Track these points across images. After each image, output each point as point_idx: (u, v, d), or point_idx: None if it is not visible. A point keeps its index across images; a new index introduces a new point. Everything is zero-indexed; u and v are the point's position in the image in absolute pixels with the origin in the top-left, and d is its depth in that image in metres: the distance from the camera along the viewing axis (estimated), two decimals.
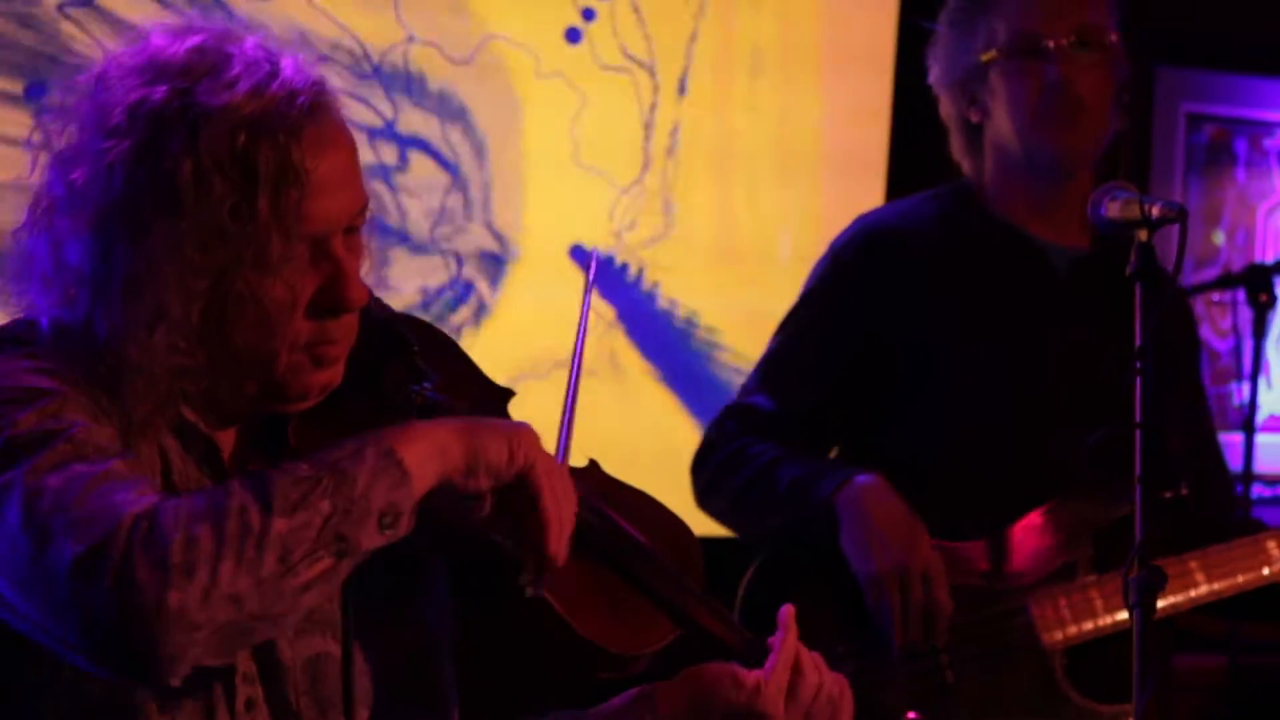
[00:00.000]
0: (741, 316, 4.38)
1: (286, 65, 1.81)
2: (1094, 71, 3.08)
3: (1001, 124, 3.11)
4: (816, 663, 2.06)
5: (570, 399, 2.03)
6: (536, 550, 1.84)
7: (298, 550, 1.66)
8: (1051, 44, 3.06)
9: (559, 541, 1.84)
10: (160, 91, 1.76)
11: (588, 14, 4.27)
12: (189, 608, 1.61)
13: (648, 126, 4.37)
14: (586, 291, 2.08)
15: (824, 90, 4.51)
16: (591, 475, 2.07)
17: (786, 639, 2.02)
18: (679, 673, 2.05)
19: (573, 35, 4.27)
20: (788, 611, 2.04)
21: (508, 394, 2.06)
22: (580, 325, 2.06)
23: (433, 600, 1.99)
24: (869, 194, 4.49)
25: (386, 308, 1.93)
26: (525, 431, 1.84)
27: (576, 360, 2.05)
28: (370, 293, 1.88)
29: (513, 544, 1.86)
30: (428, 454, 1.76)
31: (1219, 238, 5.47)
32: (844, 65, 4.52)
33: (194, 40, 1.80)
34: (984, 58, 3.10)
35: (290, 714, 1.85)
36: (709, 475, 3.14)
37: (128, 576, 1.61)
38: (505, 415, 2.04)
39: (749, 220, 4.48)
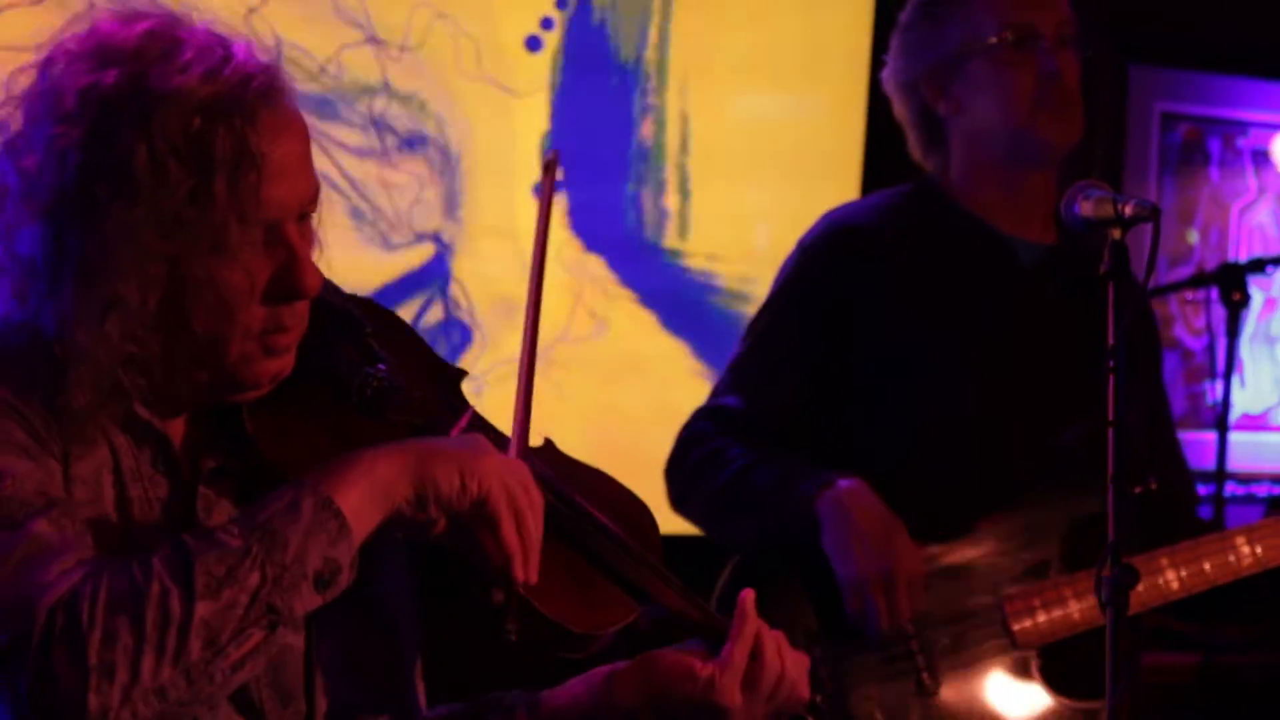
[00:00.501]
0: None
1: (239, 49, 1.79)
2: (1076, 64, 3.09)
3: (983, 115, 3.11)
4: (779, 643, 2.04)
5: (529, 348, 2.01)
6: (502, 575, 1.82)
7: (225, 632, 1.63)
8: (1048, 35, 3.07)
9: (525, 569, 1.81)
10: (112, 76, 1.74)
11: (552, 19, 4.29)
12: (110, 709, 1.58)
13: (627, 126, 4.38)
14: (544, 205, 2.07)
15: (798, 91, 4.52)
16: (548, 455, 2.06)
17: (745, 627, 2.00)
18: (637, 656, 2.03)
19: (532, 43, 4.28)
20: (746, 597, 2.02)
21: (460, 374, 2.04)
22: (538, 246, 2.04)
23: (389, 578, 1.97)
24: (845, 194, 4.51)
25: (336, 289, 1.91)
26: (478, 455, 1.80)
27: (535, 288, 2.03)
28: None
29: (477, 561, 1.82)
30: (369, 495, 1.73)
31: (1193, 236, 5.48)
32: (819, 66, 4.53)
33: (144, 25, 1.78)
34: (967, 49, 3.09)
35: (253, 708, 1.83)
36: (684, 479, 3.13)
37: (47, 673, 1.58)
38: (458, 395, 2.01)
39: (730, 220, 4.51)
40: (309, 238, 1.84)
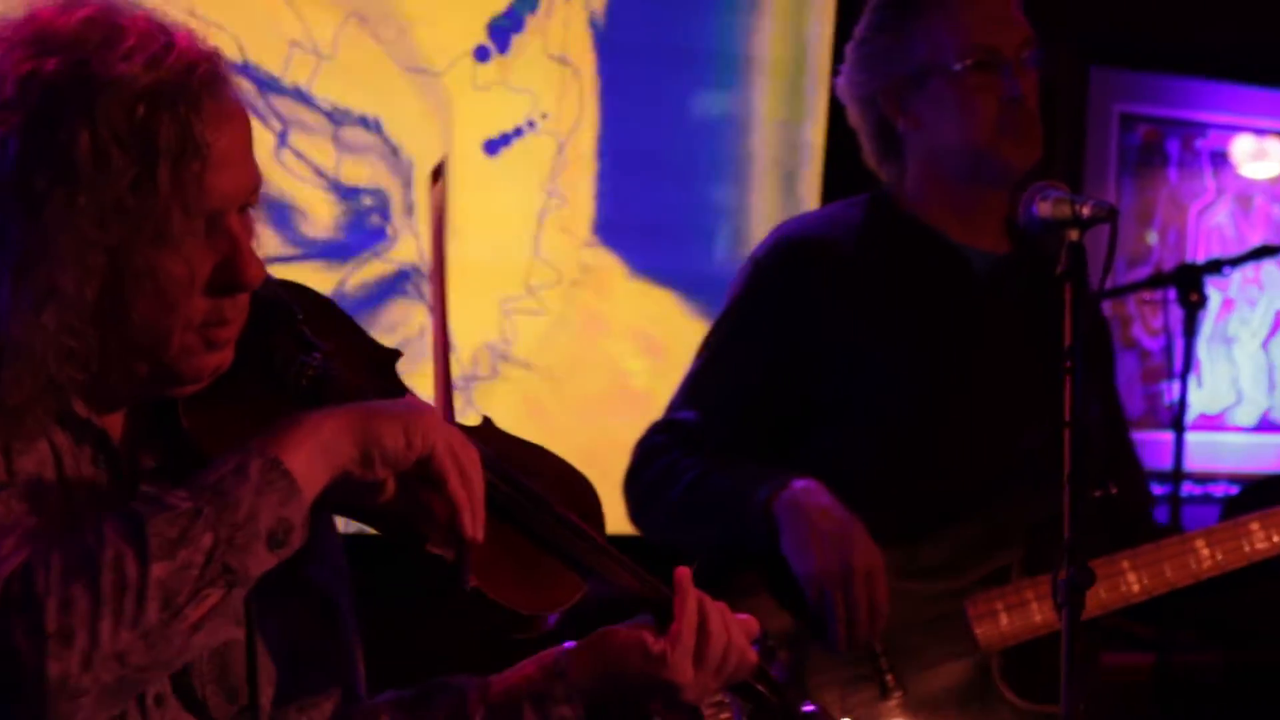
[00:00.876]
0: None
1: (180, 37, 1.75)
2: (1036, 85, 3.09)
3: (944, 134, 3.09)
4: (722, 613, 2.04)
5: (441, 343, 2.01)
6: (451, 532, 1.81)
7: (182, 592, 1.61)
8: (1010, 57, 3.07)
9: (474, 524, 1.81)
10: (52, 64, 1.70)
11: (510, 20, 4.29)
12: (70, 675, 1.57)
13: (572, 130, 4.39)
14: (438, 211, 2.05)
15: (760, 94, 4.52)
16: (487, 433, 2.03)
17: (686, 601, 2.00)
18: (589, 635, 2.02)
19: (481, 54, 4.28)
20: (683, 574, 2.02)
21: (394, 355, 2.00)
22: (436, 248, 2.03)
23: (327, 564, 1.95)
24: (805, 198, 4.52)
25: (268, 276, 1.86)
26: (422, 413, 1.80)
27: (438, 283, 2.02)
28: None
29: (425, 526, 1.83)
30: (316, 455, 1.71)
31: (1151, 237, 5.51)
32: (781, 69, 4.53)
33: (83, 12, 1.74)
34: (929, 68, 3.08)
35: (197, 704, 1.81)
36: (641, 492, 3.10)
37: (6, 645, 1.57)
38: (393, 377, 1.98)
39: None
40: (250, 229, 1.81)
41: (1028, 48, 3.07)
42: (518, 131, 4.36)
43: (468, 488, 1.80)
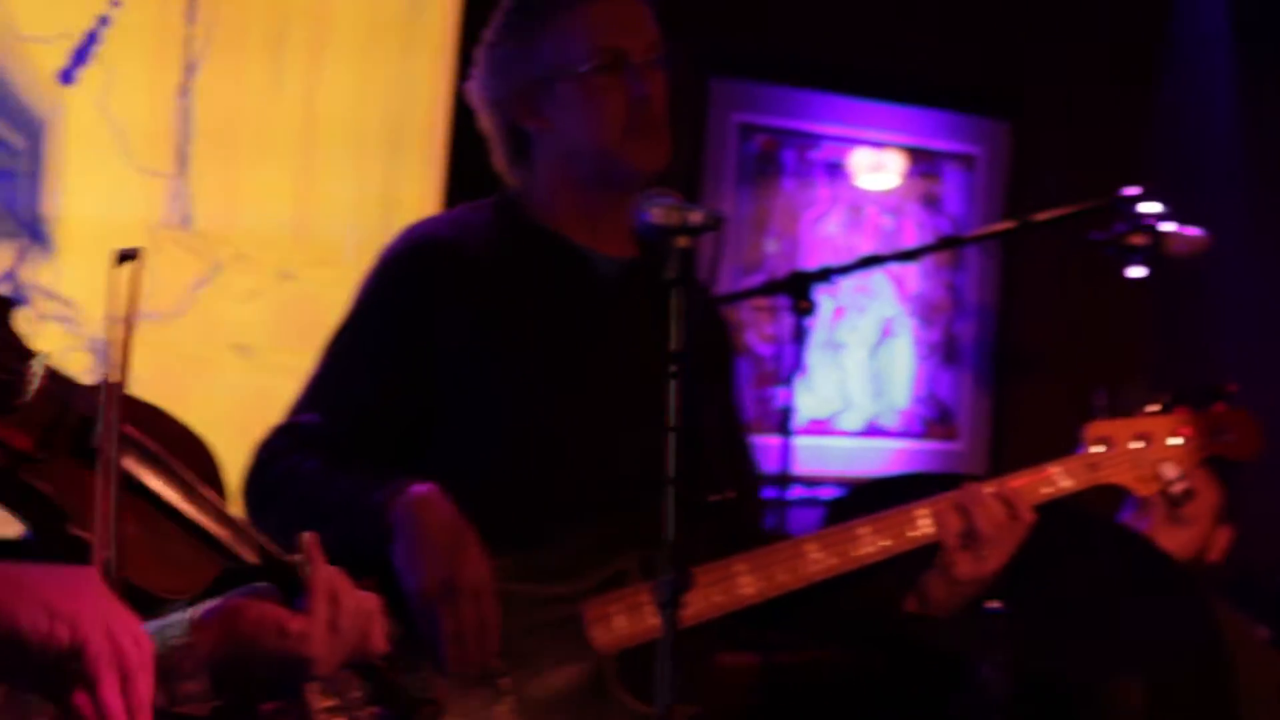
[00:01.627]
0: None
1: None
2: (664, 87, 3.13)
3: (573, 136, 3.11)
4: (347, 582, 2.01)
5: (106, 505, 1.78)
6: None
7: None
8: (637, 60, 3.10)
9: None
10: None
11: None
12: None
13: (182, 111, 4.30)
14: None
15: (378, 70, 4.50)
16: (109, 393, 1.85)
17: (319, 570, 1.97)
18: (216, 608, 1.97)
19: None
20: (312, 540, 1.99)
21: (8, 303, 1.79)
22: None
23: None
24: (427, 177, 4.50)
25: None
26: (74, 591, 1.52)
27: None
28: None
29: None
30: None
31: (767, 245, 5.61)
32: (404, 46, 4.51)
33: None
34: (558, 71, 3.09)
35: None
36: (260, 495, 3.04)
37: None
38: (6, 328, 1.78)
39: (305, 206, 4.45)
40: None
41: (655, 51, 3.11)
42: None
43: (131, 698, 1.53)
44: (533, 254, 3.16)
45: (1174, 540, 4.28)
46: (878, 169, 5.85)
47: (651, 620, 2.98)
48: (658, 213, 2.59)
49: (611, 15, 3.12)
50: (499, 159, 3.22)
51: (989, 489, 3.18)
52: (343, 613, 1.97)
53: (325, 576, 1.97)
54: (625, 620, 3.00)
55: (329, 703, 2.07)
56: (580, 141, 3.11)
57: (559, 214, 3.16)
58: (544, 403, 3.08)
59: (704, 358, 3.12)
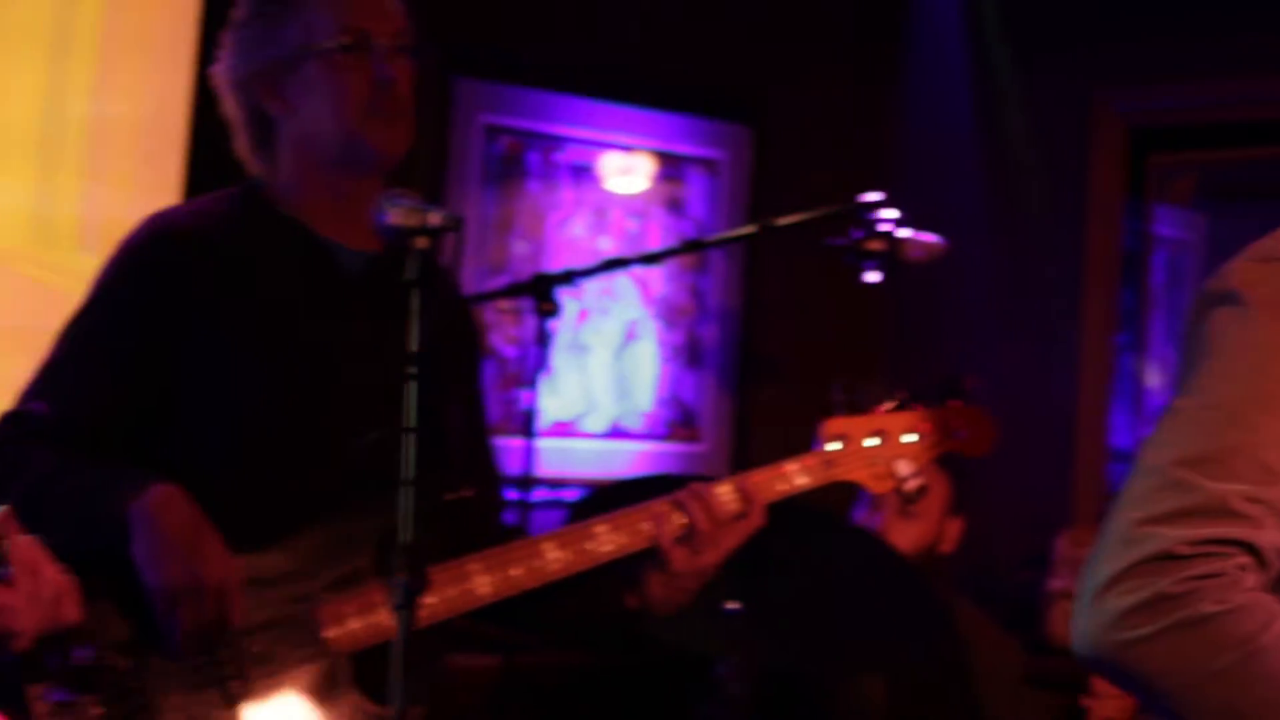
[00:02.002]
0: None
1: None
2: (410, 73, 3.12)
3: (315, 118, 3.09)
4: (42, 552, 1.97)
5: None
6: None
7: None
8: (383, 42, 3.08)
9: None
10: None
11: None
12: None
13: None
14: None
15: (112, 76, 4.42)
16: None
17: (15, 545, 1.93)
18: None
19: None
20: (4, 515, 1.95)
21: None
22: None
23: None
24: (164, 186, 4.43)
25: None
26: None
27: None
28: None
29: None
30: None
31: (513, 247, 5.62)
32: (138, 51, 4.44)
33: None
34: (303, 51, 3.08)
35: None
36: None
37: None
38: None
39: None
40: None
41: (402, 38, 3.11)
42: None
43: None
44: (275, 246, 3.13)
45: (906, 534, 4.37)
46: (627, 172, 5.88)
47: (386, 620, 2.97)
48: (397, 214, 2.58)
49: None
50: (241, 145, 3.19)
51: (724, 487, 3.21)
52: (43, 584, 1.93)
53: (23, 548, 1.93)
54: (360, 620, 2.98)
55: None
56: (321, 122, 3.09)
57: (303, 204, 3.13)
58: (281, 399, 3.05)
59: (450, 356, 3.12)
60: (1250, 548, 2.08)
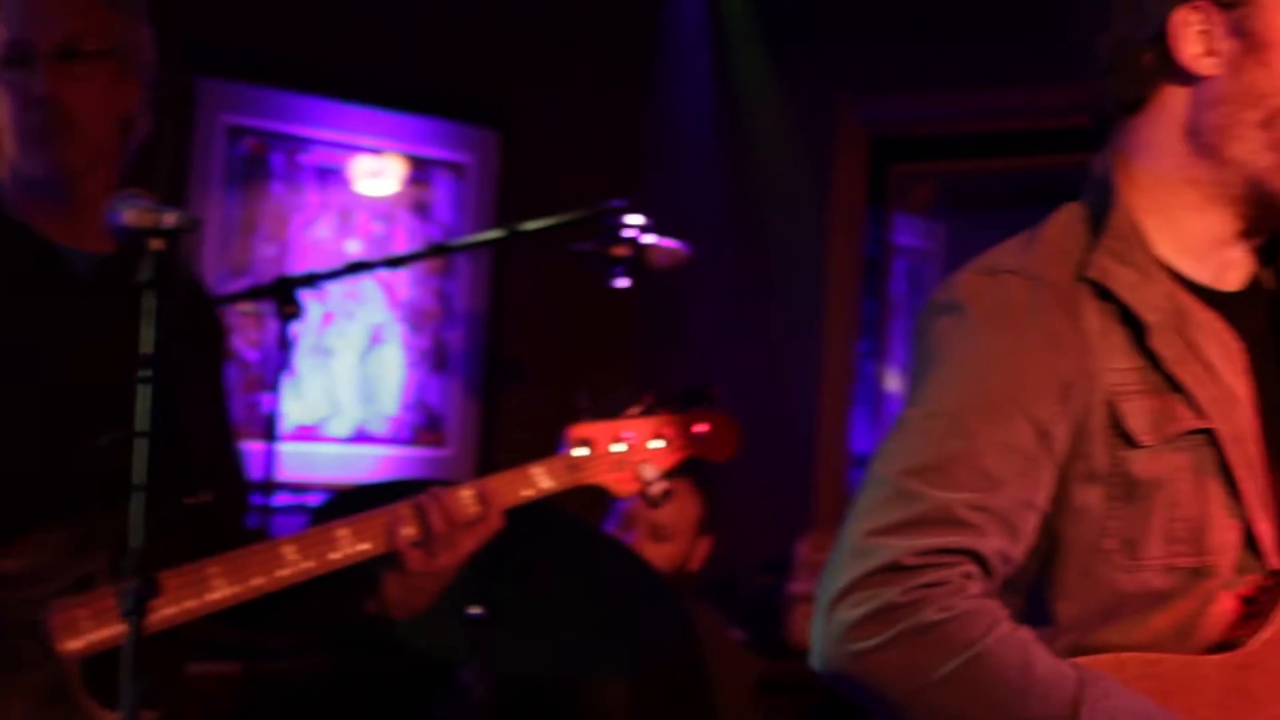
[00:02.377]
0: None
1: None
2: (87, 83, 3.02)
3: None
4: None
5: None
6: None
7: None
8: (40, 54, 2.98)
9: None
10: None
11: None
12: None
13: None
14: None
15: None
16: None
17: None
18: None
19: None
20: None
21: None
22: None
23: None
24: None
25: None
26: None
27: None
28: None
29: None
30: None
31: (257, 249, 5.56)
32: None
33: None
34: None
35: None
36: None
37: None
38: None
39: None
40: None
41: (75, 42, 2.99)
42: None
43: None
44: (3, 252, 3.06)
45: (657, 554, 4.41)
46: (377, 174, 5.86)
47: (118, 625, 2.92)
48: (130, 215, 2.54)
49: (23, 4, 3.01)
50: None
51: (464, 491, 3.21)
52: None
53: None
54: (92, 625, 2.92)
55: None
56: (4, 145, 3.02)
57: (27, 209, 3.07)
58: (15, 399, 2.99)
59: (191, 357, 3.07)
60: (975, 555, 2.13)
